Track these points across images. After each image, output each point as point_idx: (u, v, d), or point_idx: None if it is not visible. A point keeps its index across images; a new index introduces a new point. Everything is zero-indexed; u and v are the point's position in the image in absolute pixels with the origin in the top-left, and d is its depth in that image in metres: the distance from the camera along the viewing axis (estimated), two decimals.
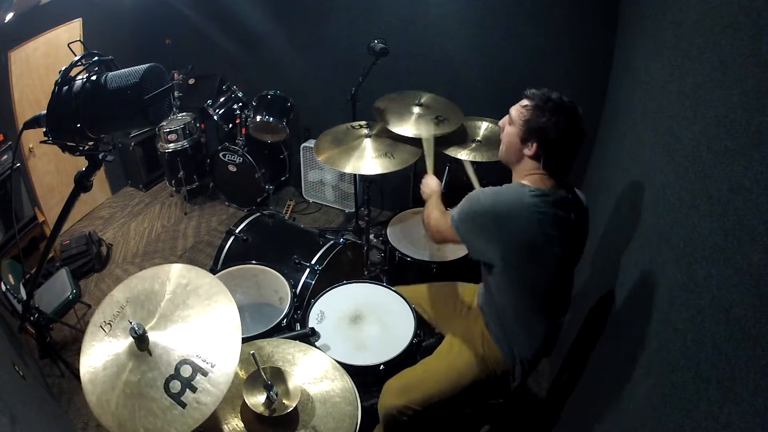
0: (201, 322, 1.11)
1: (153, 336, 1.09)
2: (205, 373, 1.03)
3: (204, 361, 1.05)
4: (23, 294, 2.22)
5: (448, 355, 1.53)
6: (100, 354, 1.09)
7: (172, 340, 1.09)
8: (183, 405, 0.99)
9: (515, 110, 1.35)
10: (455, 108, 2.34)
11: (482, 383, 1.47)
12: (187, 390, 1.01)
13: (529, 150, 1.30)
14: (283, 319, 1.76)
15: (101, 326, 1.13)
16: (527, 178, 1.32)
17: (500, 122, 1.41)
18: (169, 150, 3.35)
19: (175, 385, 1.02)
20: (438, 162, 2.61)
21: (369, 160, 2.15)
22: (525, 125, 1.31)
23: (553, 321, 1.42)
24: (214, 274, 1.99)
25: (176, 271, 1.21)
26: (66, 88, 1.11)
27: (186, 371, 1.03)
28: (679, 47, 1.27)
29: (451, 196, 2.37)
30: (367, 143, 2.22)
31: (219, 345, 1.07)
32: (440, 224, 1.49)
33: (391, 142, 2.23)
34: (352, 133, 2.31)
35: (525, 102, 1.34)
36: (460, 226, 1.34)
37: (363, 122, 2.37)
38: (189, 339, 1.08)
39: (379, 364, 1.50)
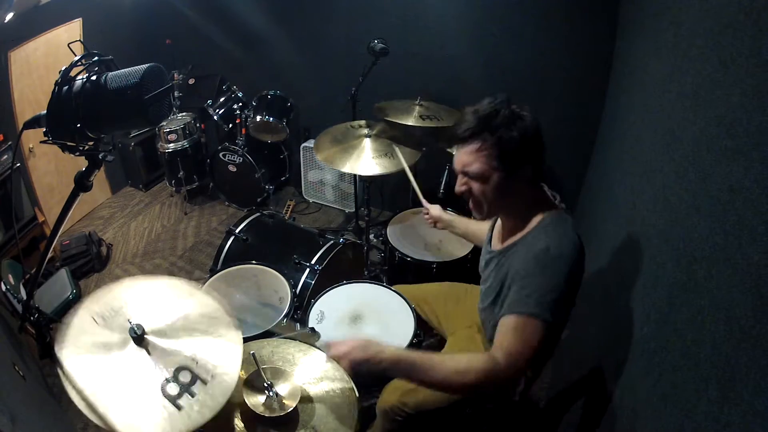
0: (204, 337, 1.11)
1: (152, 338, 1.08)
2: (204, 382, 1.02)
3: (205, 371, 1.04)
4: (23, 294, 2.22)
5: None
6: (87, 339, 1.06)
7: (172, 346, 1.08)
8: (179, 408, 0.98)
9: (476, 164, 1.11)
10: (452, 112, 2.37)
11: (479, 396, 1.43)
12: (186, 395, 1.00)
13: (525, 175, 1.13)
14: (283, 319, 1.76)
15: (93, 317, 1.11)
16: (540, 213, 1.16)
17: (458, 189, 1.19)
18: (169, 150, 3.35)
19: (172, 388, 1.01)
20: (437, 162, 2.63)
21: (368, 160, 2.15)
22: (503, 163, 1.10)
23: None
24: (214, 274, 2.01)
25: (178, 287, 1.22)
26: (66, 88, 1.10)
27: (185, 376, 1.02)
28: (679, 47, 1.27)
29: (451, 196, 2.38)
30: (367, 143, 2.22)
31: (220, 360, 1.07)
32: (489, 363, 1.03)
33: (388, 144, 2.23)
34: (352, 133, 2.31)
35: (473, 145, 1.12)
36: (555, 309, 1.04)
37: (362, 121, 2.37)
38: (190, 348, 1.08)
39: None
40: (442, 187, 2.59)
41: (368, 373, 1.07)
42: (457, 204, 2.49)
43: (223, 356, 1.08)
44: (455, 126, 1.15)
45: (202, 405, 1.00)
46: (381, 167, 2.13)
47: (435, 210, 1.79)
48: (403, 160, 2.03)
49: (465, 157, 1.14)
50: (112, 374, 1.03)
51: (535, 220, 1.17)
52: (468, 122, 1.12)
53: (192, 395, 1.01)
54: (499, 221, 1.39)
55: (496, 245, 1.34)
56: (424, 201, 1.83)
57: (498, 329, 1.08)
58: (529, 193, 1.19)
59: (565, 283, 1.06)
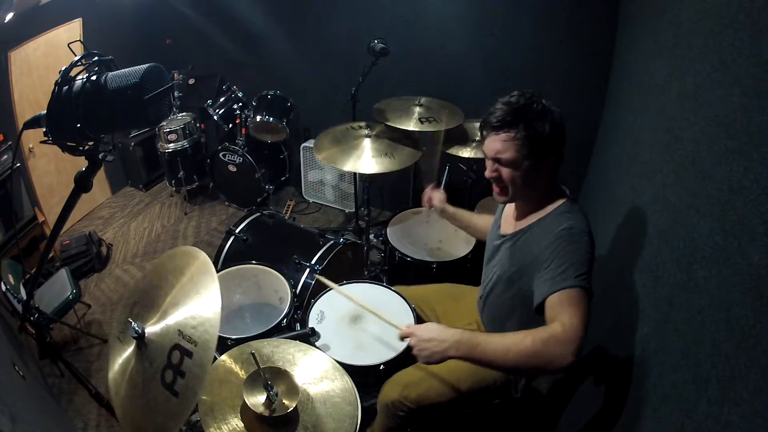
0: (184, 300, 1.10)
1: (149, 329, 1.09)
2: (189, 355, 1.02)
3: (189, 341, 1.03)
4: (23, 294, 2.22)
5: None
6: (117, 364, 1.11)
7: (162, 327, 1.09)
8: (176, 394, 0.99)
9: (509, 151, 1.17)
10: (453, 110, 2.36)
11: (481, 392, 1.45)
12: (178, 377, 1.01)
13: (549, 164, 1.21)
14: (283, 319, 1.76)
15: (118, 338, 1.13)
16: (556, 200, 1.24)
17: (489, 174, 1.25)
18: (169, 150, 3.35)
19: (169, 375, 1.02)
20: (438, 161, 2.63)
21: (368, 159, 2.15)
22: (533, 153, 1.17)
23: None
24: None
25: (160, 262, 1.22)
26: (66, 88, 1.10)
27: (175, 357, 1.03)
28: (679, 47, 1.27)
29: (451, 196, 2.39)
30: (367, 143, 2.22)
31: (199, 320, 1.05)
32: (555, 331, 1.04)
33: (391, 142, 2.24)
34: (352, 133, 2.31)
35: (506, 134, 1.17)
36: (590, 279, 1.13)
37: (362, 123, 2.37)
38: (175, 319, 1.08)
39: (379, 364, 1.50)
40: (442, 187, 2.58)
41: (431, 354, 1.14)
42: (458, 204, 2.49)
43: (203, 311, 1.06)
44: (488, 114, 1.21)
45: (192, 380, 0.99)
46: (381, 166, 2.12)
47: (437, 197, 1.75)
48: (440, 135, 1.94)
49: (498, 145, 1.19)
50: (132, 387, 1.05)
51: (551, 206, 1.25)
52: (502, 112, 1.17)
53: (182, 375, 1.01)
54: (507, 209, 1.43)
55: (508, 229, 1.37)
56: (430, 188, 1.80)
57: (546, 311, 1.11)
58: (549, 182, 1.27)
59: (590, 254, 1.15)
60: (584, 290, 1.09)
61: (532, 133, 1.16)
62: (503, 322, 1.41)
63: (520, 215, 1.34)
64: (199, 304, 1.07)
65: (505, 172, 1.22)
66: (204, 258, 1.15)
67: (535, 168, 1.20)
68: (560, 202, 1.25)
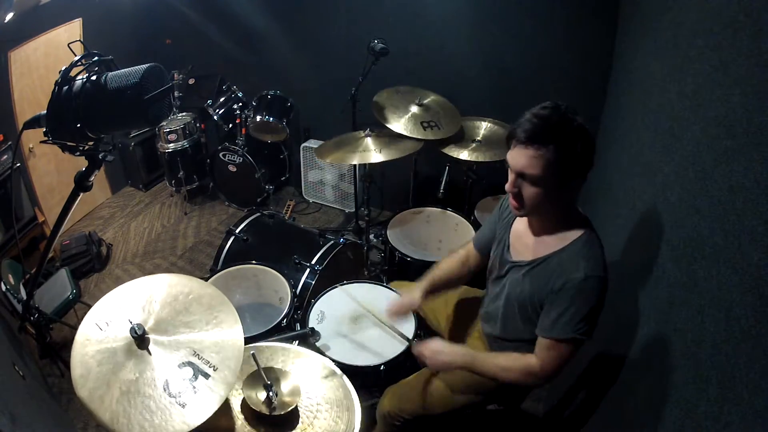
0: (204, 328, 1.11)
1: (154, 337, 1.09)
2: (206, 376, 1.03)
3: (206, 363, 1.05)
4: (23, 294, 2.22)
5: (444, 372, 1.45)
6: (94, 350, 1.07)
7: (173, 342, 1.09)
8: (183, 405, 0.99)
9: (536, 168, 1.08)
10: (453, 113, 2.35)
11: (477, 405, 1.45)
12: (188, 390, 1.01)
13: (573, 186, 1.13)
14: (283, 319, 1.76)
15: (97, 324, 1.12)
16: (576, 229, 1.18)
17: (510, 188, 1.16)
18: (169, 150, 3.35)
19: (176, 385, 1.02)
20: (437, 162, 2.63)
21: (372, 153, 2.15)
22: (561, 173, 1.08)
23: None
24: (214, 274, 2.01)
25: (174, 280, 1.22)
26: (66, 88, 1.11)
27: (187, 373, 1.03)
28: (679, 47, 1.27)
29: (451, 196, 2.39)
30: (369, 140, 2.22)
31: (221, 350, 1.08)
32: (531, 363, 1.21)
33: (389, 139, 2.23)
34: (353, 136, 2.31)
35: (536, 150, 1.07)
36: (590, 327, 1.14)
37: (363, 130, 2.37)
38: (191, 342, 1.09)
39: (379, 364, 1.51)
40: (442, 187, 2.59)
41: (442, 363, 1.33)
42: (458, 204, 2.49)
43: (223, 346, 1.09)
44: (517, 125, 1.11)
45: (206, 399, 1.00)
46: (384, 156, 2.12)
47: (406, 303, 1.53)
48: None
49: (525, 160, 1.10)
50: (117, 379, 1.03)
51: (571, 236, 1.17)
52: (533, 125, 1.08)
53: (195, 390, 1.01)
54: (517, 226, 1.33)
55: (524, 255, 1.28)
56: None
57: (537, 345, 1.21)
58: (569, 204, 1.20)
59: (599, 304, 1.14)
60: (574, 342, 1.15)
61: (563, 153, 1.06)
62: (506, 337, 1.37)
63: (537, 241, 1.24)
64: (221, 336, 1.11)
65: (528, 188, 1.13)
66: (227, 302, 1.18)
67: (559, 188, 1.12)
68: (580, 232, 1.17)
